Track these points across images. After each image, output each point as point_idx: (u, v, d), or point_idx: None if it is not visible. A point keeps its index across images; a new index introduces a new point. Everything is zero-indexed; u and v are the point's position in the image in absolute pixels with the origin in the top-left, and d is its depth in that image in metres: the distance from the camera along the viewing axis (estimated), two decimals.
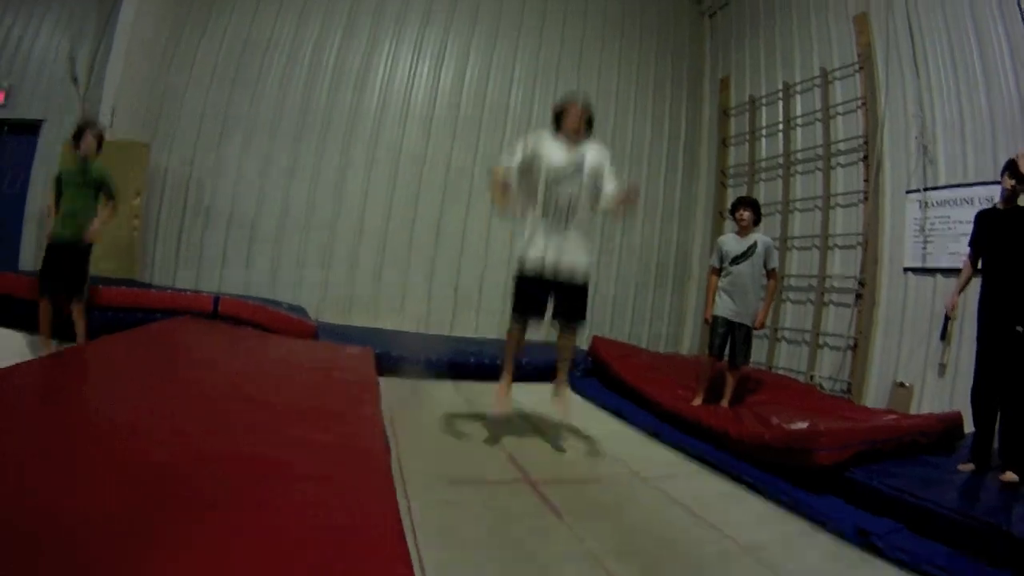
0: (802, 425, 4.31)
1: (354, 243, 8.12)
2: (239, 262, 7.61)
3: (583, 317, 4.48)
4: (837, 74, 7.86)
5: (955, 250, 6.23)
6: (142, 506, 1.73)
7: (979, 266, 4.46)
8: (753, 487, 4.25)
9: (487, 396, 5.77)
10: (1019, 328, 4.03)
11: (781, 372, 8.04)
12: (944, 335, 6.19)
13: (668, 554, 3.09)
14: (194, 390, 3.03)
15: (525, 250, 4.30)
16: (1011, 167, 4.24)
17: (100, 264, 5.55)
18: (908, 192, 6.84)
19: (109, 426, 2.35)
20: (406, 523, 2.21)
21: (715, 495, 4.15)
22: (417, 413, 4.94)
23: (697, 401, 5.61)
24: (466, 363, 6.48)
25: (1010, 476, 3.95)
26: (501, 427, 4.81)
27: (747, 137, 9.36)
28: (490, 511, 3.24)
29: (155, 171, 7.20)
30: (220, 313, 5.60)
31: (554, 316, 4.40)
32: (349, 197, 8.09)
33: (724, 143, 9.92)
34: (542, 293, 4.30)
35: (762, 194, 8.84)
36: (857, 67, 7.56)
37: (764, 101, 9.12)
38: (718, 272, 5.74)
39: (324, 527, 1.82)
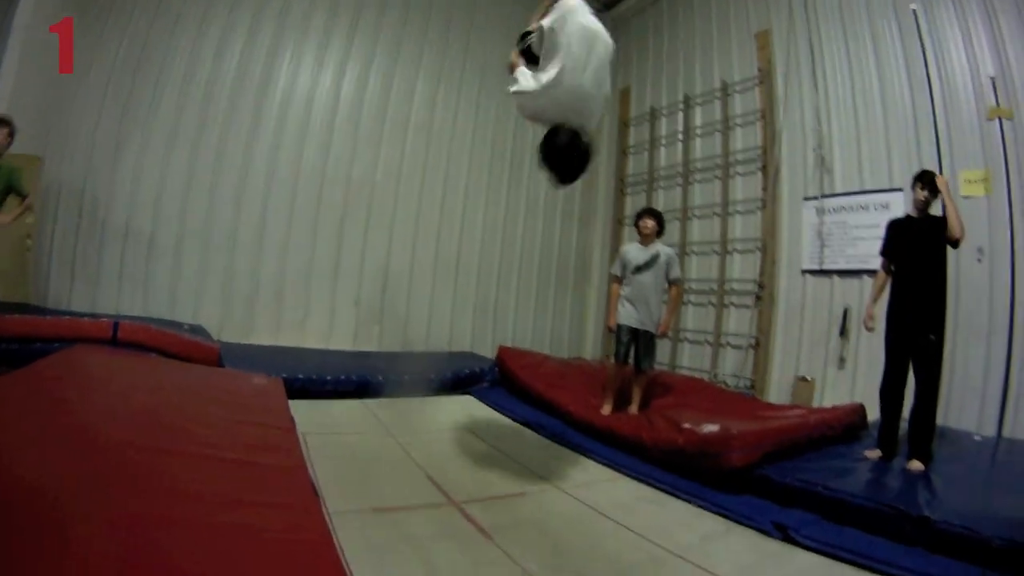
0: (713, 428, 4.33)
1: (254, 259, 7.77)
2: (137, 281, 7.11)
3: None
4: (737, 87, 8.11)
5: (852, 253, 6.58)
6: None
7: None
8: (670, 492, 4.25)
9: (397, 413, 5.71)
10: (932, 337, 4.26)
11: (685, 371, 8.21)
12: (843, 332, 6.45)
13: (602, 565, 3.06)
14: (97, 438, 2.70)
15: None
16: (924, 179, 4.44)
17: None
18: (805, 199, 7.13)
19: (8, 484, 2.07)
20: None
21: (635, 501, 4.14)
22: (332, 439, 4.71)
23: (607, 409, 5.60)
24: (375, 381, 6.27)
25: (916, 465, 4.16)
26: (417, 448, 4.67)
27: (647, 146, 9.54)
28: (419, 537, 3.12)
29: (48, 186, 6.67)
30: (120, 340, 5.19)
31: None
32: (248, 211, 7.73)
33: (624, 152, 10.09)
34: None
35: (661, 202, 9.04)
36: (757, 81, 7.83)
37: (664, 112, 9.32)
38: (620, 281, 5.77)
39: None
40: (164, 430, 2.99)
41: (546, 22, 3.80)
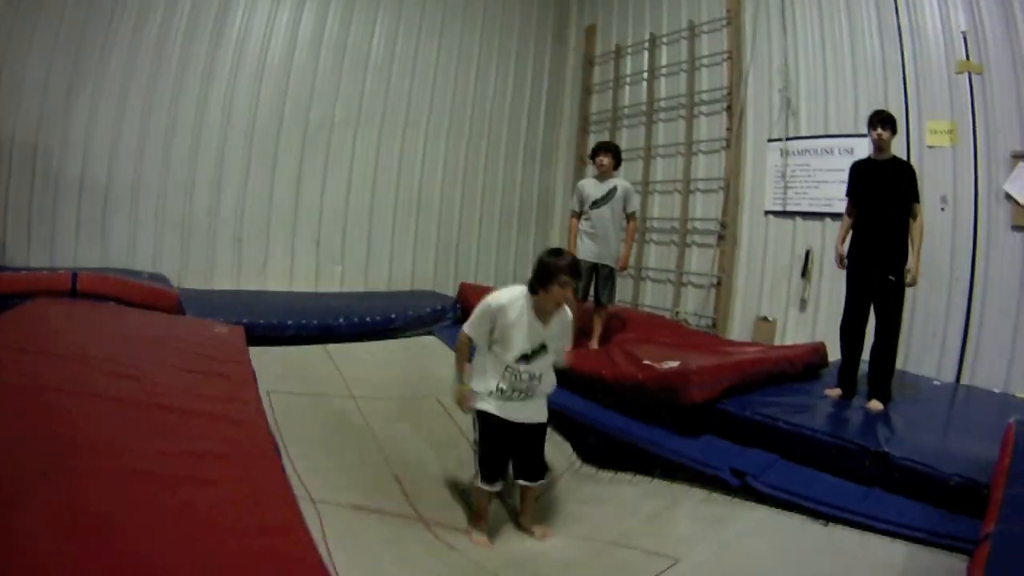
0: (673, 364, 4.35)
1: (212, 202, 7.56)
2: (95, 232, 6.88)
3: None
4: (705, 28, 7.97)
5: (815, 196, 6.63)
6: None
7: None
8: (628, 443, 4.27)
9: (358, 360, 5.70)
10: (891, 277, 4.31)
11: (647, 309, 8.30)
12: (805, 273, 6.52)
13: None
14: (55, 390, 2.63)
15: None
16: (881, 116, 4.42)
17: None
18: (770, 140, 7.13)
19: None
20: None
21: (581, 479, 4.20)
22: (295, 391, 4.66)
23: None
24: (336, 324, 6.22)
25: (876, 405, 4.26)
26: (379, 401, 4.65)
27: (611, 85, 9.41)
28: (378, 497, 3.25)
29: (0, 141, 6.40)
30: (79, 291, 5.04)
31: None
32: (204, 154, 7.47)
33: (588, 91, 9.93)
34: None
35: (624, 140, 8.92)
36: (725, 22, 7.69)
37: (630, 51, 9.16)
38: (578, 216, 5.76)
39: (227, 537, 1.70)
40: (125, 380, 2.95)
41: None
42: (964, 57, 5.58)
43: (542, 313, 3.34)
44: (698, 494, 3.69)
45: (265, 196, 7.90)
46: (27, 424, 2.16)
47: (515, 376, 3.32)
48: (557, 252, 3.40)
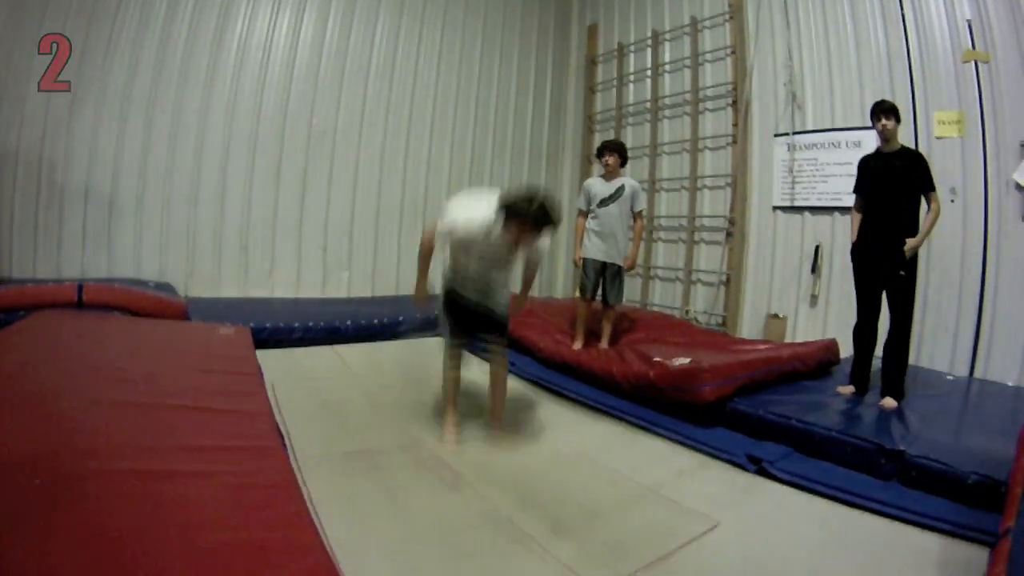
0: (684, 362, 4.32)
1: (217, 210, 7.56)
2: (100, 243, 6.89)
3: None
4: (707, 23, 7.94)
5: (823, 191, 6.58)
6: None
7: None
8: (643, 427, 4.27)
9: (367, 358, 5.72)
10: (902, 273, 4.26)
11: (656, 308, 8.26)
12: (815, 269, 6.47)
13: (571, 503, 3.08)
14: (63, 398, 2.63)
15: None
16: (883, 106, 4.37)
17: None
18: (776, 135, 7.07)
19: None
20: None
21: (606, 438, 4.18)
22: (301, 386, 4.67)
23: (577, 345, 5.64)
24: (344, 327, 6.27)
25: (889, 402, 4.22)
26: (386, 393, 4.66)
27: (615, 83, 9.37)
28: (388, 483, 3.12)
29: (4, 153, 6.40)
30: (85, 302, 5.05)
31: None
32: (208, 162, 7.46)
33: (592, 90, 9.92)
34: None
35: (630, 138, 8.93)
36: (728, 16, 7.66)
37: (632, 48, 9.13)
38: (585, 215, 5.74)
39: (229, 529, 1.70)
40: (129, 384, 2.95)
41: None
42: (970, 46, 5.53)
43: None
44: (722, 464, 3.71)
45: (270, 203, 7.89)
46: (34, 431, 2.16)
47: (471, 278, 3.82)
48: (528, 199, 3.36)
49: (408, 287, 8.58)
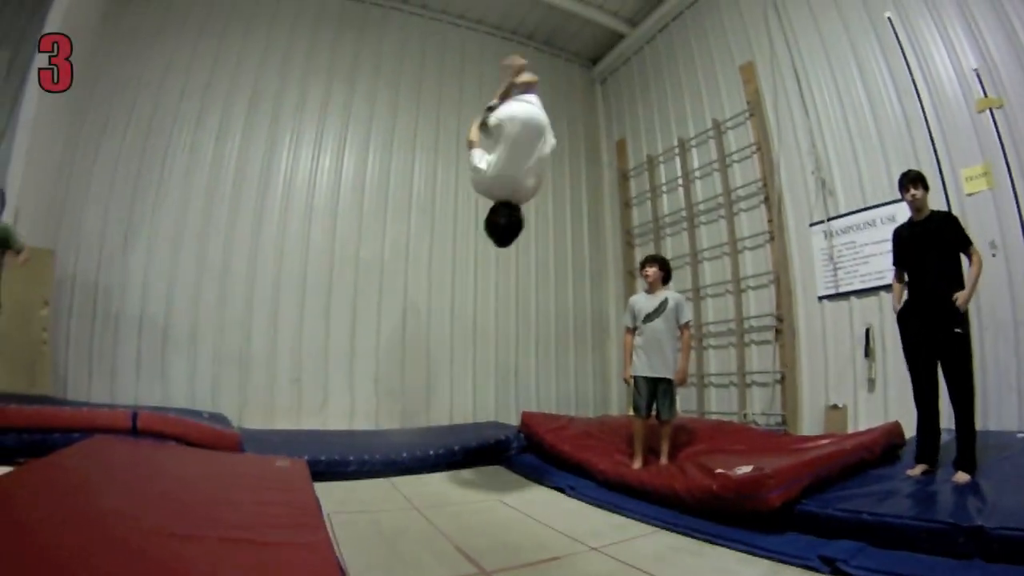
0: (747, 470, 4.17)
1: (270, 344, 7.82)
2: (154, 370, 7.19)
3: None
4: (729, 123, 8.18)
5: (865, 272, 6.50)
6: None
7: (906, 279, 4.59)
8: (709, 540, 4.09)
9: (424, 489, 5.58)
10: (958, 331, 4.14)
11: (714, 416, 8.04)
12: (868, 352, 6.30)
13: None
14: (115, 526, 2.64)
15: None
16: (909, 177, 4.41)
17: (7, 379, 5.16)
18: (811, 225, 7.10)
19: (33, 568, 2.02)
20: None
21: (671, 552, 3.98)
22: (358, 518, 4.60)
23: (637, 464, 5.45)
24: (400, 458, 6.16)
25: (962, 476, 4.02)
26: (445, 521, 4.54)
27: (648, 195, 9.59)
28: None
29: (61, 279, 6.82)
30: (139, 429, 5.15)
31: None
32: (260, 296, 7.83)
33: (627, 204, 10.14)
34: None
35: (669, 249, 9.02)
36: (748, 114, 7.90)
37: (661, 159, 9.39)
38: (632, 331, 5.71)
39: None
40: (189, 515, 2.93)
41: (495, 119, 4.89)
42: (982, 94, 5.57)
43: None
44: (794, 570, 3.48)
45: (321, 335, 8.11)
46: (88, 554, 2.15)
47: None
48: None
49: (461, 414, 8.72)
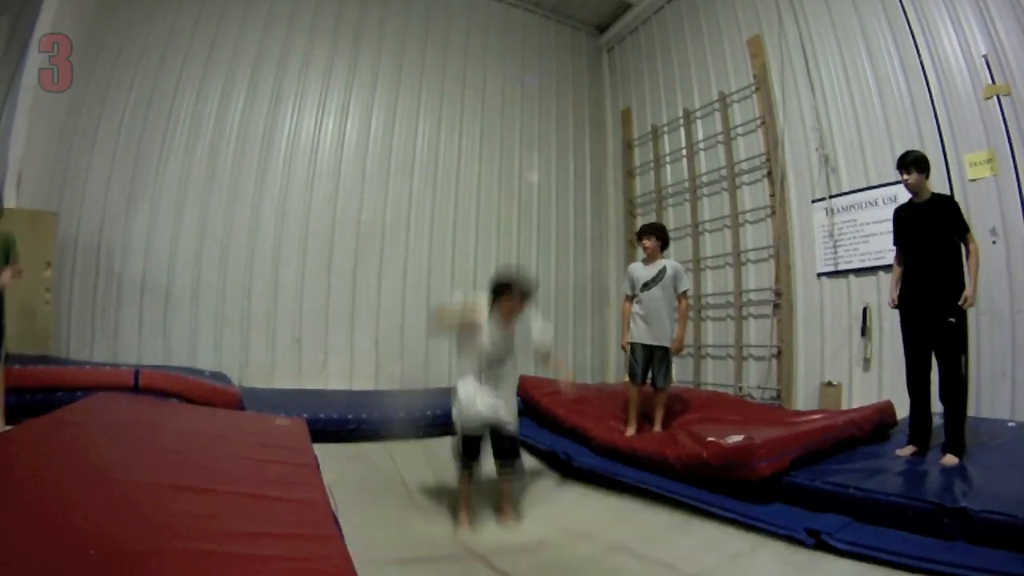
0: (738, 439, 4.24)
1: (271, 304, 7.88)
2: (156, 330, 7.27)
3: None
4: (735, 96, 8.12)
5: (865, 251, 6.50)
6: None
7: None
8: (698, 510, 4.17)
9: (420, 456, 5.67)
10: (952, 320, 4.16)
11: (710, 388, 8.10)
12: (864, 331, 6.34)
13: None
14: (120, 477, 2.71)
15: None
16: (907, 160, 4.39)
17: (10, 340, 5.20)
18: (814, 201, 7.08)
19: (35, 520, 2.07)
20: None
21: (659, 530, 4.07)
22: (354, 483, 4.68)
23: (631, 431, 5.48)
24: (397, 420, 6.21)
25: (950, 459, 4.06)
26: (440, 497, 4.61)
27: (652, 165, 9.55)
28: None
29: (64, 241, 6.84)
30: (141, 387, 5.22)
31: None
32: (261, 257, 7.87)
33: (630, 174, 10.11)
34: None
35: (671, 219, 9.03)
36: (754, 88, 7.83)
37: (666, 129, 9.33)
38: (631, 299, 5.71)
39: None
40: (188, 469, 2.99)
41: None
42: (990, 81, 5.52)
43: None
44: (778, 543, 3.59)
45: (322, 296, 8.16)
46: (90, 506, 2.21)
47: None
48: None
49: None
